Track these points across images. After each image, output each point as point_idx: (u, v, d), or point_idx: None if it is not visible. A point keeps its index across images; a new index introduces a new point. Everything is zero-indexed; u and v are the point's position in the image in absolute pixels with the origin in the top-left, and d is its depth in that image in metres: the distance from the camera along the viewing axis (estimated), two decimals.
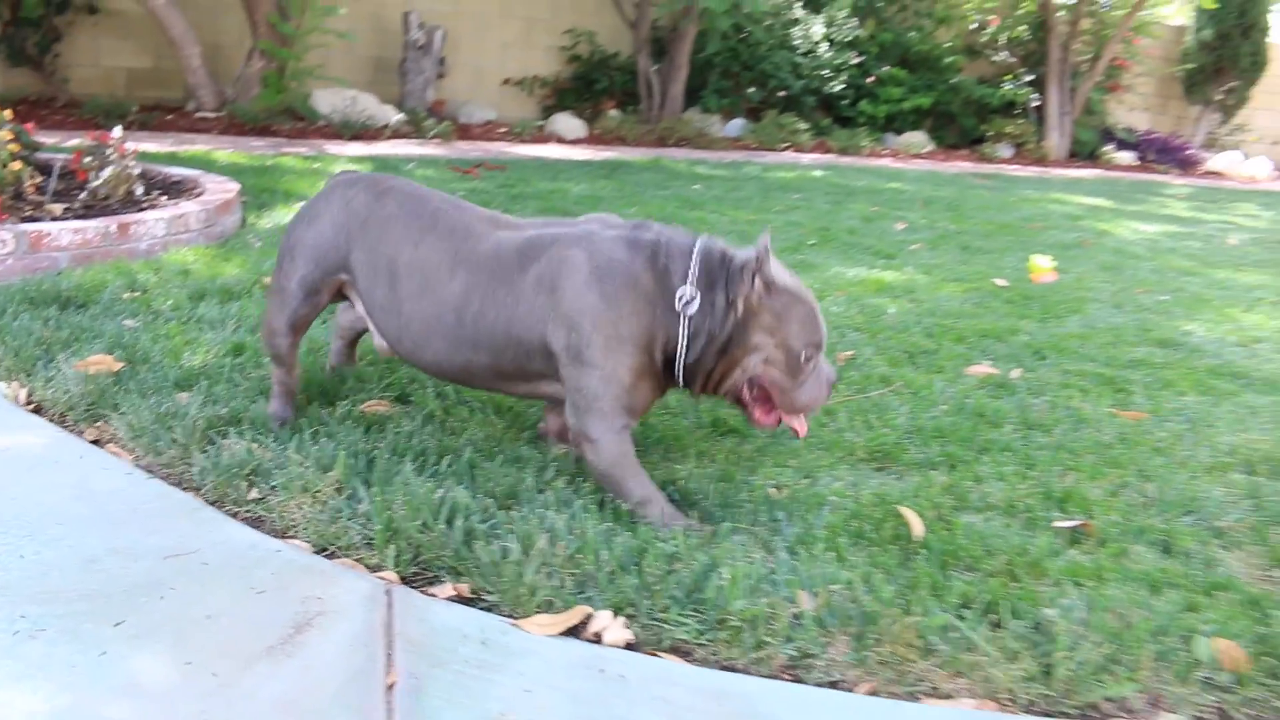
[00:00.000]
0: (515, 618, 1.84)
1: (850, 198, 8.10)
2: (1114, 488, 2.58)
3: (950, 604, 1.91)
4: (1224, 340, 4.30)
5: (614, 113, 12.26)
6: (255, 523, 2.12)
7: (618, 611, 1.85)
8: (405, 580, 1.94)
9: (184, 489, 2.23)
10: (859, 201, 7.88)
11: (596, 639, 1.80)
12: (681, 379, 2.27)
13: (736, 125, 12.82)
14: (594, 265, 2.20)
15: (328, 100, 9.93)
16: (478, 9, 12.44)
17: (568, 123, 11.64)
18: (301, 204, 2.87)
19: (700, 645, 1.81)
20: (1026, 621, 1.88)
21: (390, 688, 1.59)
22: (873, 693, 1.75)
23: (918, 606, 1.88)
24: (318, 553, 2.02)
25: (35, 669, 1.55)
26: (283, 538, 2.06)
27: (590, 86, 12.84)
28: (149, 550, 1.94)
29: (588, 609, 1.84)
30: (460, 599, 1.90)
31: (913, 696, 1.75)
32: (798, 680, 1.77)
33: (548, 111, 12.46)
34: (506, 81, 12.70)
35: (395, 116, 10.23)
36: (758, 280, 2.17)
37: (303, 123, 9.57)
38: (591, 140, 11.40)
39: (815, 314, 2.27)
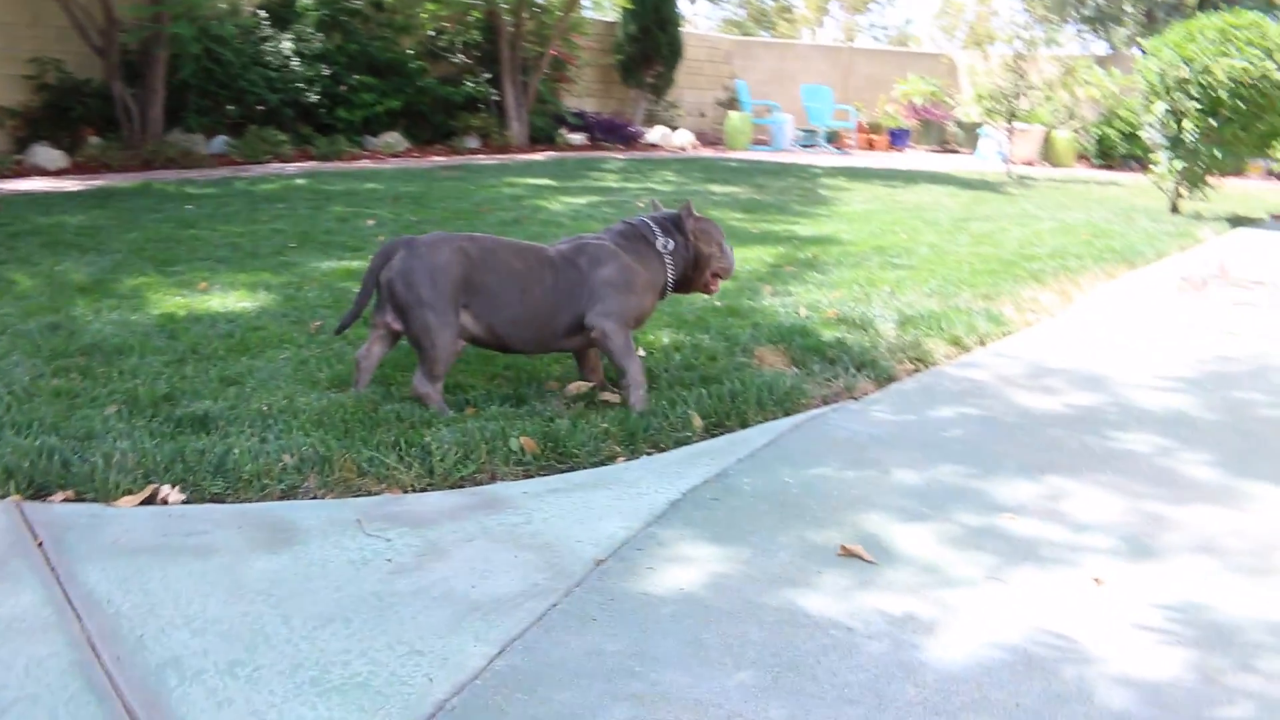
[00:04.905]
0: (109, 503, 3.00)
1: (329, 202, 9.35)
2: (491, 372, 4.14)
3: (378, 446, 3.33)
4: None
5: (95, 140, 12.44)
6: None
7: (174, 485, 3.07)
8: (28, 500, 3.02)
9: None
10: (337, 205, 9.15)
11: (165, 503, 3.02)
12: (673, 289, 4.10)
13: (220, 142, 13.47)
14: (616, 244, 3.94)
15: None
16: None
17: (47, 154, 11.76)
18: None
19: (228, 495, 3.08)
20: (418, 447, 3.33)
21: (40, 544, 2.72)
22: (335, 498, 3.12)
23: (354, 452, 3.28)
24: None
25: None
26: None
27: (66, 115, 12.78)
28: None
29: (155, 486, 3.05)
30: (69, 500, 3.02)
31: (356, 495, 3.15)
32: (291, 500, 3.10)
33: (22, 144, 12.34)
34: None
35: None
36: (693, 219, 4.05)
37: None
38: (76, 170, 11.62)
39: (715, 223, 4.20)
